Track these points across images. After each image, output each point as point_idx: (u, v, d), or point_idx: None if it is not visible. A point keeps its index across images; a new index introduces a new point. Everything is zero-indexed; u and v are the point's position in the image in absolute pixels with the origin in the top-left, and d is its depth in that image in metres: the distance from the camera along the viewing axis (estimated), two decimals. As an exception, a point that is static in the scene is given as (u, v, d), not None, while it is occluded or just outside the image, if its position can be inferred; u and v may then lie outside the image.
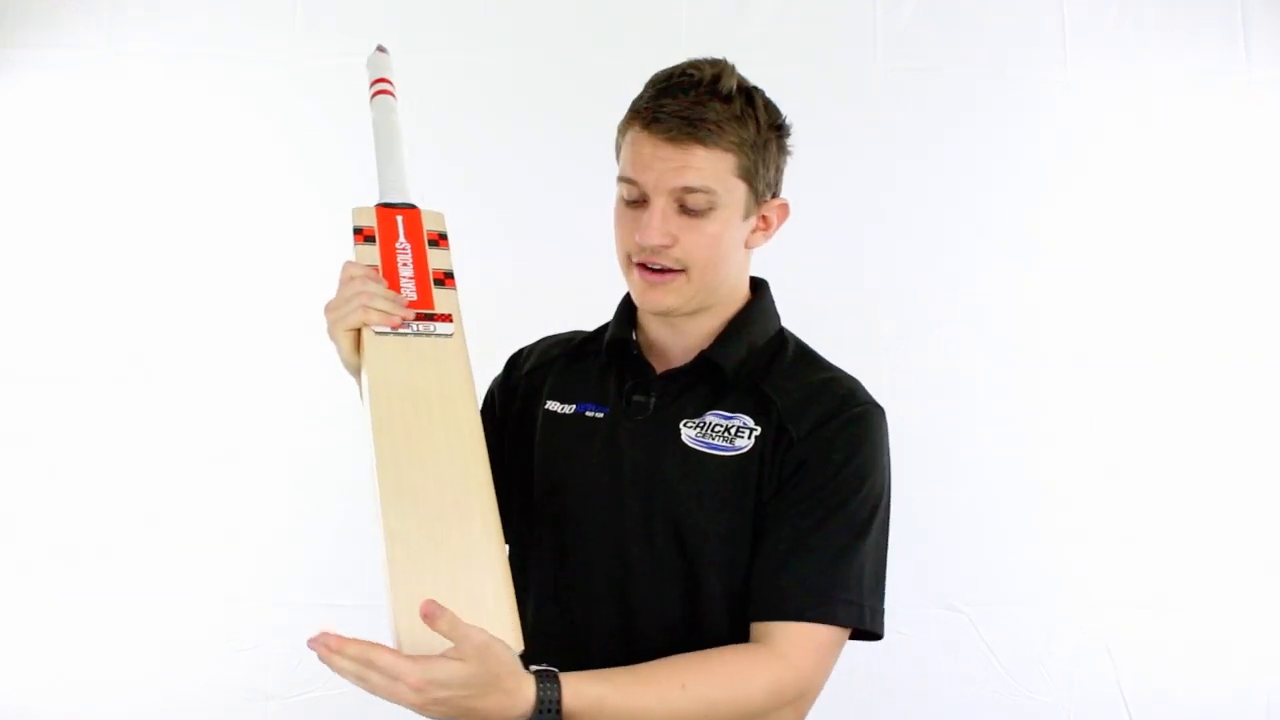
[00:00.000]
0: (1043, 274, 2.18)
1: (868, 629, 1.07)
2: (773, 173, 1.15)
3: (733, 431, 1.10)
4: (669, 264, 1.08)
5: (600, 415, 1.16)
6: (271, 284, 2.19)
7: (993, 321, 2.17)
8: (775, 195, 1.17)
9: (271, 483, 2.18)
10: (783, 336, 1.21)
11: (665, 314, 1.13)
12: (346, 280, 1.09)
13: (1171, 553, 2.13)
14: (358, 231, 1.17)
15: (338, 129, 2.21)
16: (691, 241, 1.08)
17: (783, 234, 2.16)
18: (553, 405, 1.20)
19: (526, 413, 1.22)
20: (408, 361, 1.08)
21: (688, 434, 1.11)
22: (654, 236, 1.06)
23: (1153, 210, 2.18)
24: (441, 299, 1.14)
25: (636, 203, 1.09)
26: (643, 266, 1.10)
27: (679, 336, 1.17)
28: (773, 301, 1.23)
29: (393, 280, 1.13)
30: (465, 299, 1.19)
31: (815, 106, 2.19)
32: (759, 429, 1.09)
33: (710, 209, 1.07)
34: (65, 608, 2.17)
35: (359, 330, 1.07)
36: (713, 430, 1.10)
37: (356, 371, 1.10)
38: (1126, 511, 2.14)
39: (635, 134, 1.09)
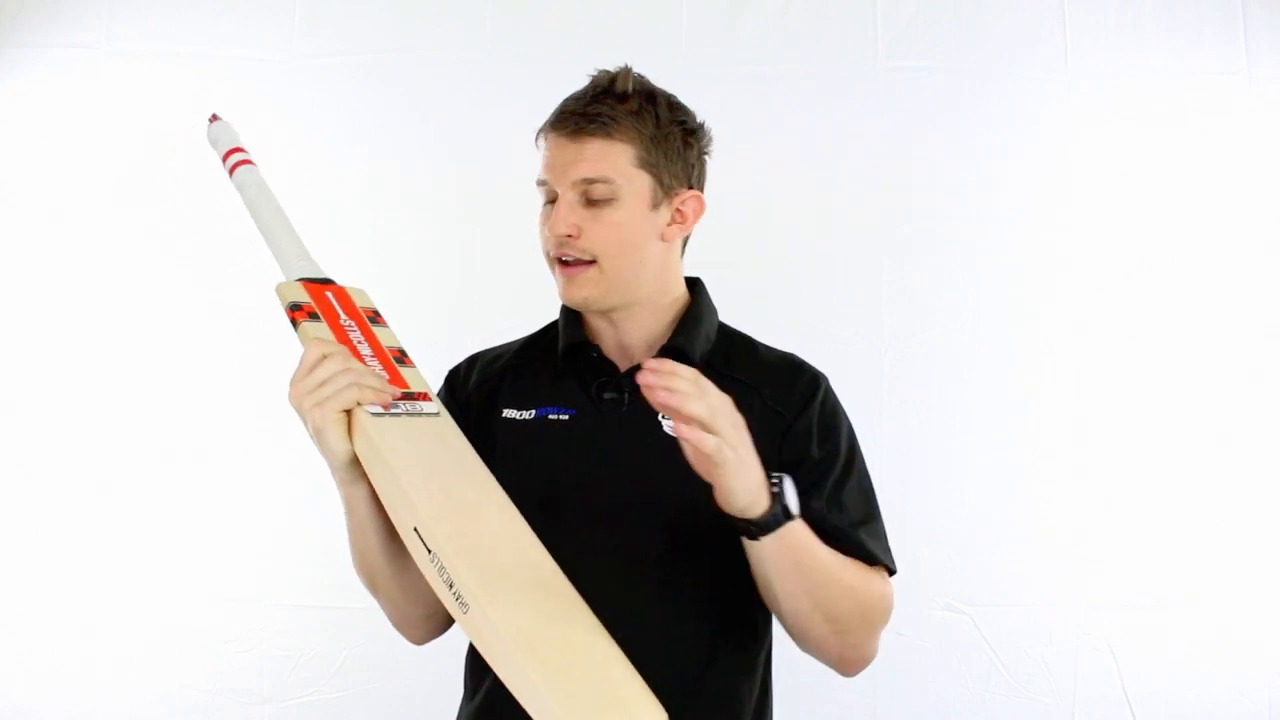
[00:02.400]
0: (1043, 273, 2.18)
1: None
2: (679, 166, 1.18)
3: None
4: (578, 254, 1.13)
5: (566, 417, 1.16)
6: (270, 283, 2.18)
7: (993, 321, 2.17)
8: (692, 187, 1.20)
9: (269, 485, 2.17)
10: (724, 328, 1.25)
11: (584, 306, 1.16)
12: (319, 360, 1.02)
13: (1173, 552, 2.13)
14: (296, 308, 1.09)
15: (337, 128, 2.21)
16: (596, 232, 1.13)
17: (782, 232, 2.18)
18: (510, 413, 1.18)
19: (483, 425, 1.20)
20: (417, 441, 1.03)
21: (668, 424, 1.10)
22: (560, 226, 1.12)
23: (1153, 209, 2.18)
24: (411, 377, 1.10)
25: (551, 202, 1.15)
26: (560, 262, 1.14)
27: (626, 334, 1.19)
28: (710, 298, 1.27)
29: (357, 359, 1.05)
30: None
31: (815, 106, 2.20)
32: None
33: (611, 199, 1.13)
34: (62, 608, 2.16)
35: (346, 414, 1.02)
36: None
37: (346, 460, 1.03)
38: (1128, 511, 2.14)
39: (548, 137, 1.16)
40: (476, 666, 1.17)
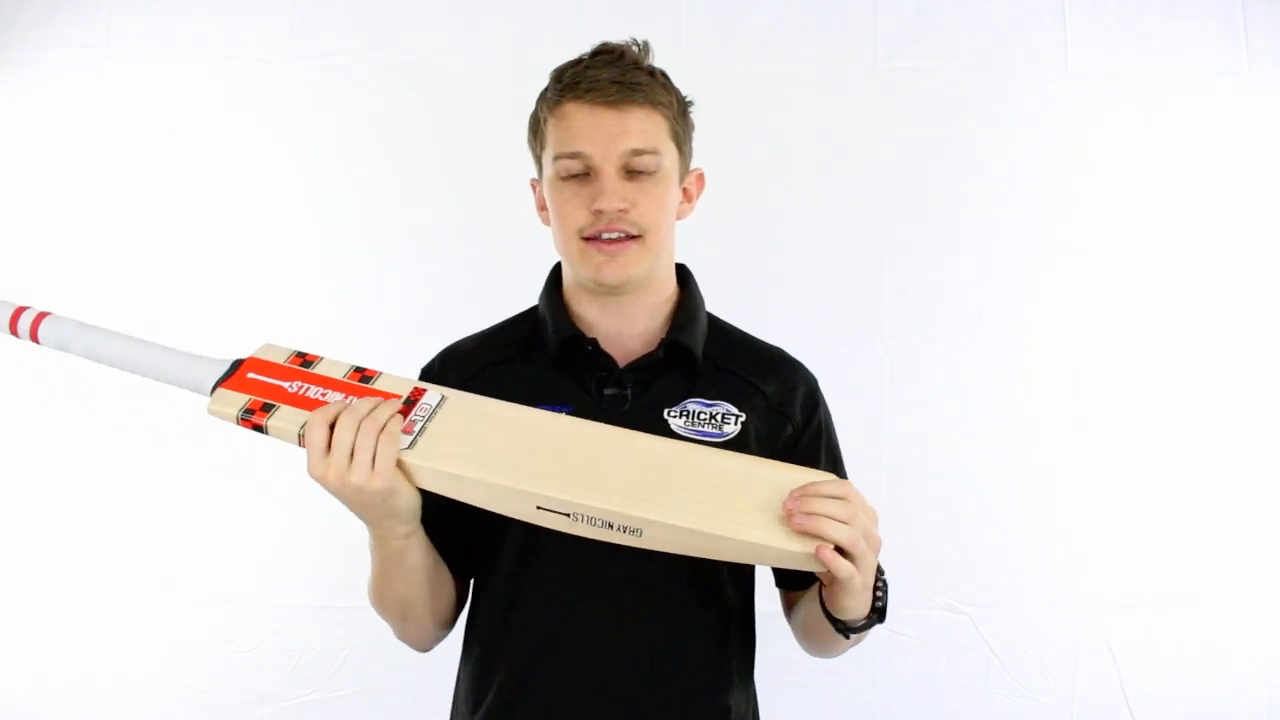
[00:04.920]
0: (1044, 273, 2.18)
1: None
2: (690, 144, 1.17)
3: (719, 418, 1.12)
4: (627, 229, 1.08)
5: (564, 414, 1.13)
6: (268, 281, 2.18)
7: (993, 321, 2.17)
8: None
9: (269, 485, 2.17)
10: (712, 319, 1.22)
11: (623, 285, 1.11)
12: (326, 433, 0.95)
13: (1173, 553, 2.13)
14: (248, 415, 1.02)
15: (335, 126, 2.21)
16: (646, 206, 1.09)
17: (782, 231, 2.17)
18: None
19: None
20: (461, 438, 0.99)
21: (675, 422, 1.11)
22: (614, 200, 1.06)
23: (1153, 209, 2.18)
24: (389, 384, 1.03)
25: (580, 177, 1.09)
26: (595, 240, 1.09)
27: (625, 323, 1.15)
28: (698, 285, 1.24)
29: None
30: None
31: (816, 106, 2.20)
32: (742, 415, 1.12)
33: (657, 170, 1.09)
34: (61, 608, 2.17)
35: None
36: (698, 418, 1.12)
37: (416, 507, 1.00)
38: (1128, 512, 2.14)
39: (569, 108, 1.09)
40: (480, 683, 1.15)
